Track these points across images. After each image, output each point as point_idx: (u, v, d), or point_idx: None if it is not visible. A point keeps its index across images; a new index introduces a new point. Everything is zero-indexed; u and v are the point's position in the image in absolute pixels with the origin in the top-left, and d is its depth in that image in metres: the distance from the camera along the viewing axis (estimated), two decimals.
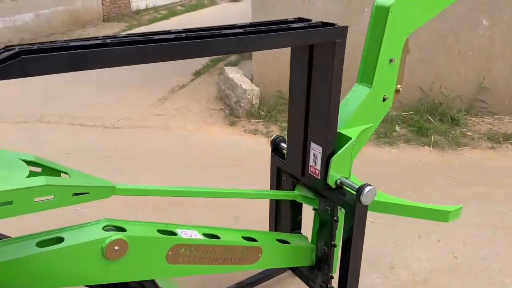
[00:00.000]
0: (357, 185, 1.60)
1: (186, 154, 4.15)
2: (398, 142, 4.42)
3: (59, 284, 1.29)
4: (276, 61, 4.86)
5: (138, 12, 13.24)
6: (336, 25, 1.49)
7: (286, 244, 1.81)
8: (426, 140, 4.40)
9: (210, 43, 1.26)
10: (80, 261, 1.28)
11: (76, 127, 4.79)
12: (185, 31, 1.35)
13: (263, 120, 4.80)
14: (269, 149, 1.99)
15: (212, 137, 4.58)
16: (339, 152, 1.64)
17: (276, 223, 2.03)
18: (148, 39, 1.23)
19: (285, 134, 1.87)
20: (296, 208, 1.95)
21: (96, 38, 1.21)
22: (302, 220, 2.04)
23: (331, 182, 1.66)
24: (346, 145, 1.64)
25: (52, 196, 1.21)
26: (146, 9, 13.81)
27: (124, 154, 4.14)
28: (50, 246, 1.24)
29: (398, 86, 1.84)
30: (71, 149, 4.20)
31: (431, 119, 4.67)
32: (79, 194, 1.28)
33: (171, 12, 13.79)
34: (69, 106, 5.32)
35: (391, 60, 1.74)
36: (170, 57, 1.20)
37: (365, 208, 1.61)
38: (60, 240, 1.28)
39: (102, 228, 1.34)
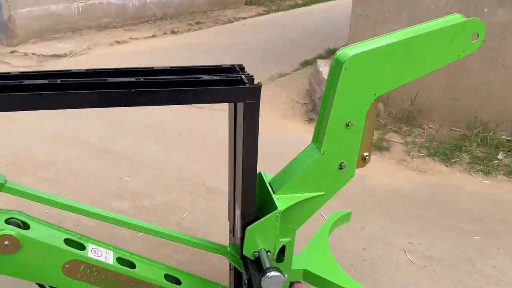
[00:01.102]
0: (267, 265, 1.39)
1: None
2: (495, 173, 3.72)
3: None
4: None
5: None
6: (246, 85, 1.27)
7: None
8: None
9: (76, 95, 1.19)
10: None
11: None
12: (65, 75, 1.29)
13: None
14: None
15: (283, 131, 4.42)
16: (257, 222, 1.44)
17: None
18: (16, 83, 1.20)
19: None
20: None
21: None
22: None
23: (247, 252, 1.47)
24: (267, 216, 1.43)
25: None
26: None
27: (194, 134, 4.29)
28: None
29: (365, 154, 1.51)
30: (152, 122, 4.50)
31: None
32: None
33: None
34: None
35: (347, 125, 1.42)
36: (22, 107, 1.16)
37: None
38: None
39: (6, 219, 1.38)
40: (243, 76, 1.32)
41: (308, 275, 1.74)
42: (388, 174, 3.69)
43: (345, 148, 1.48)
